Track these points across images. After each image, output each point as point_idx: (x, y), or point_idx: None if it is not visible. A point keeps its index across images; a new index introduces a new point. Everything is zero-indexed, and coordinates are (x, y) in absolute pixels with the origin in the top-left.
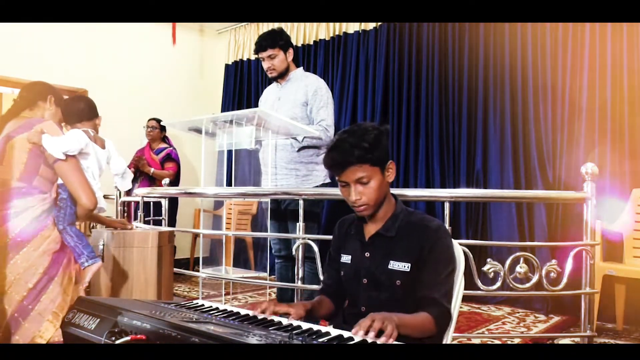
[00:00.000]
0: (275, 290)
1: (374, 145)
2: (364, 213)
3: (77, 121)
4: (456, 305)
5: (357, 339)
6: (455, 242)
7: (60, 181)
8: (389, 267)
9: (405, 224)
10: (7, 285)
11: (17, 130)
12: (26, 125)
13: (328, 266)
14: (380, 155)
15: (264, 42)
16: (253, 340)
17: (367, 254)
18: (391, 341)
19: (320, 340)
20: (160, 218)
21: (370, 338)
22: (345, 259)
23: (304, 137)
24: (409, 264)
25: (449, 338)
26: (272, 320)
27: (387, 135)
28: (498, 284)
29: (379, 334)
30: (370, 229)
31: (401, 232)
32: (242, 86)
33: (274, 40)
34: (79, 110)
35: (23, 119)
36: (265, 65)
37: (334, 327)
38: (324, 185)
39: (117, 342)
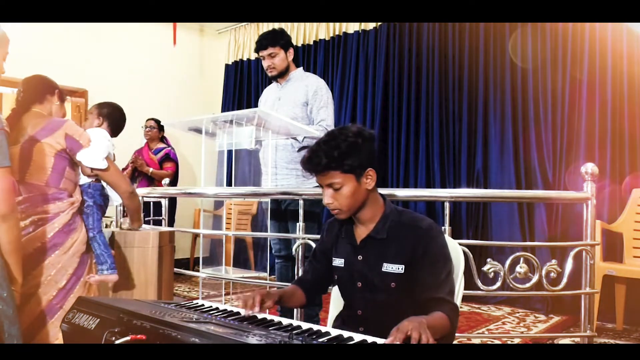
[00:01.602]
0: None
1: (347, 154)
2: (338, 217)
3: (105, 124)
4: None
5: (357, 338)
6: (455, 242)
7: (80, 182)
8: (382, 269)
9: (396, 224)
10: (38, 286)
11: (40, 133)
12: (48, 127)
13: (309, 262)
14: (355, 163)
15: (265, 41)
16: (253, 340)
17: (359, 257)
18: None
19: (320, 340)
20: (160, 218)
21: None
22: (338, 262)
23: (304, 137)
24: (403, 266)
25: None
26: (272, 320)
27: (372, 141)
28: (498, 284)
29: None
30: (361, 232)
31: (392, 233)
32: (242, 86)
33: (275, 39)
34: (116, 120)
35: (39, 116)
36: (265, 64)
37: (333, 328)
38: None
39: (117, 342)
